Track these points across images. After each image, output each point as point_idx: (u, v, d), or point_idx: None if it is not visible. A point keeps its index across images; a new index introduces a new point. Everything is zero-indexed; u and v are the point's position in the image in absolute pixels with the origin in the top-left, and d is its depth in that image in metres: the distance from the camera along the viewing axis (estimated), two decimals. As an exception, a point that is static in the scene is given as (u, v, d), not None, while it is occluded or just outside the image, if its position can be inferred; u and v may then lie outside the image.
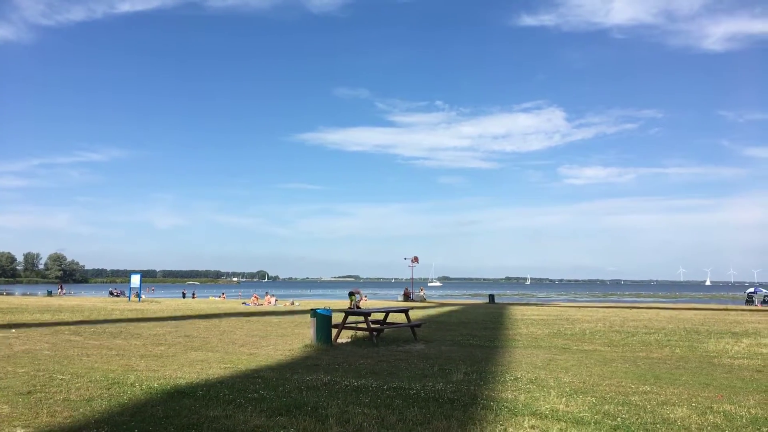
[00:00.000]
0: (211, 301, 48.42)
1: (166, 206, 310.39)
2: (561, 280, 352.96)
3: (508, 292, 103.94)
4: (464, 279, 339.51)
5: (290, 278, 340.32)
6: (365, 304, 39.74)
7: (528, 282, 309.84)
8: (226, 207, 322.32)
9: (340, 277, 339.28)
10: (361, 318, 14.56)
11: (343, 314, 14.51)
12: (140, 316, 22.70)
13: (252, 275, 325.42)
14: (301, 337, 15.12)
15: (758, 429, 5.85)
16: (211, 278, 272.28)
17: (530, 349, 13.18)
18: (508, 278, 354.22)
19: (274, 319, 22.15)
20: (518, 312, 28.89)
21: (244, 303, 40.32)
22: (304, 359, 11.09)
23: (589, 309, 34.42)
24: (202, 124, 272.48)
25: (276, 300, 41.94)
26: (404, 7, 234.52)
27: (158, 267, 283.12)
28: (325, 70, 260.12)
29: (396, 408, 6.48)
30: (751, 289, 53.21)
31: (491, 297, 48.50)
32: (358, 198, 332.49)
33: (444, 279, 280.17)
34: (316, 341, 13.05)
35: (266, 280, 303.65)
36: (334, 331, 13.92)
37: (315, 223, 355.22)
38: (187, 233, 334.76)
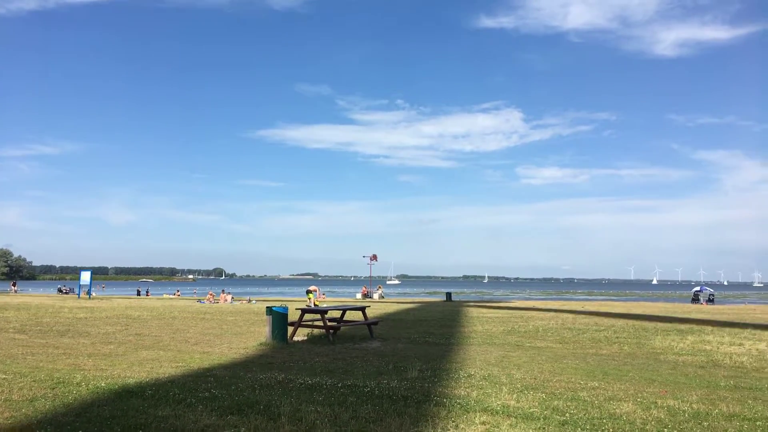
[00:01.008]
0: (165, 299, 47.41)
1: (121, 202, 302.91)
2: (517, 279, 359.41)
3: (465, 290, 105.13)
4: (423, 277, 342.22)
5: (248, 276, 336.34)
6: (323, 302, 39.60)
7: (486, 280, 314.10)
8: (183, 203, 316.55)
9: (298, 275, 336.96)
10: (318, 316, 14.50)
11: (300, 312, 14.42)
12: (90, 314, 22.05)
13: (208, 272, 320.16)
14: (256, 335, 14.95)
15: (699, 423, 6.07)
16: (166, 276, 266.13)
17: (485, 346, 13.36)
18: (466, 276, 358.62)
19: (229, 317, 21.84)
20: (474, 310, 29.26)
21: (199, 301, 39.63)
22: (258, 357, 10.97)
23: (543, 307, 35.11)
24: (160, 117, 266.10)
25: (232, 298, 41.36)
26: (366, 4, 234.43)
27: (110, 264, 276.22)
28: (286, 66, 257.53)
29: (350, 406, 6.48)
30: (697, 288, 55.23)
31: (448, 295, 48.97)
32: (318, 195, 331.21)
33: (403, 277, 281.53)
34: (271, 339, 12.93)
35: (223, 277, 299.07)
36: (290, 329, 13.82)
37: (274, 221, 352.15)
38: (142, 229, 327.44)
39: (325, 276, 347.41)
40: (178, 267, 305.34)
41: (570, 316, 24.74)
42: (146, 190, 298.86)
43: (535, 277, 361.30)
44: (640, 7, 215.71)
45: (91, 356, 10.61)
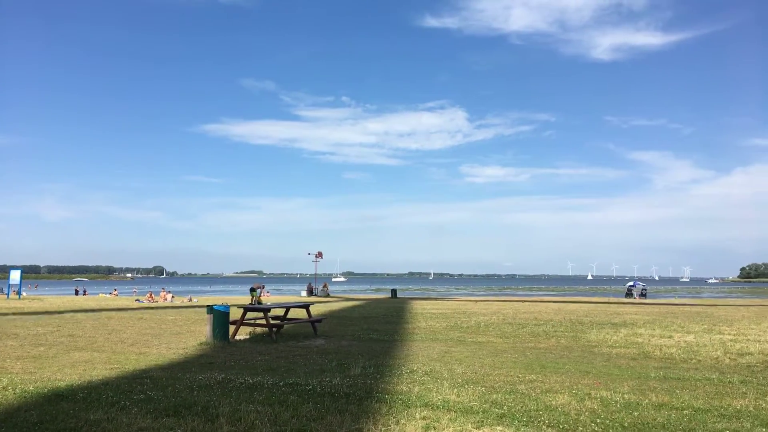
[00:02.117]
0: (101, 298, 45.71)
1: (56, 197, 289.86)
2: (461, 275, 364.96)
3: (411, 286, 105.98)
4: (369, 274, 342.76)
5: (189, 274, 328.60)
6: (267, 299, 39.11)
7: (431, 277, 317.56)
8: (121, 199, 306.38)
9: (242, 273, 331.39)
10: (261, 314, 14.30)
11: (242, 310, 14.19)
12: (19, 314, 21.01)
13: (148, 271, 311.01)
14: (196, 334, 14.61)
15: (630, 413, 6.31)
16: (103, 274, 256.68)
17: (428, 342, 13.50)
18: (411, 273, 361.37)
19: (169, 316, 21.26)
20: (419, 306, 29.53)
21: (137, 300, 38.41)
22: (198, 357, 10.72)
23: (486, 302, 35.82)
24: (99, 110, 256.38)
25: (172, 296, 40.31)
26: (312, 1, 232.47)
27: (43, 262, 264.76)
28: (231, 60, 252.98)
29: (290, 404, 6.41)
30: (631, 283, 57.50)
31: (394, 292, 49.25)
32: (263, 192, 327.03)
33: (349, 274, 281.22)
34: (212, 338, 12.67)
35: (164, 276, 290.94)
36: (232, 328, 13.58)
37: (217, 217, 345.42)
38: (78, 226, 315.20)
39: (270, 274, 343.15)
40: (116, 265, 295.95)
41: (511, 311, 25.33)
42: (83, 186, 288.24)
43: (478, 273, 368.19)
44: (577, 12, 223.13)
45: (20, 359, 10.11)
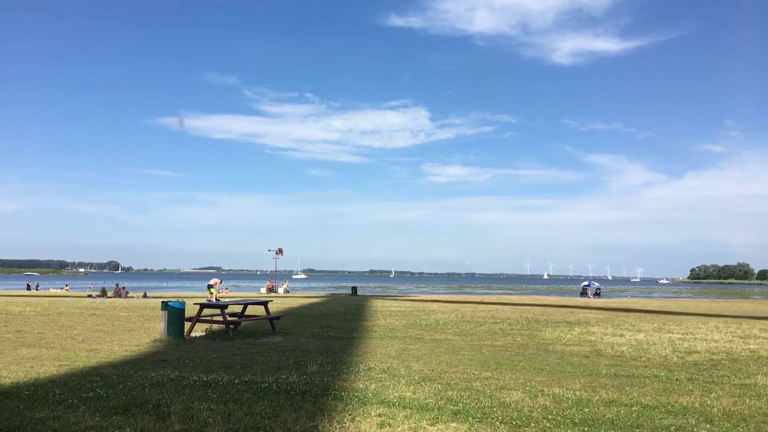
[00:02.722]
0: (51, 293, 44.31)
1: (7, 189, 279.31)
2: (422, 273, 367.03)
3: (371, 284, 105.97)
4: (330, 272, 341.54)
5: (146, 269, 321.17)
6: (226, 296, 38.56)
7: (392, 275, 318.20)
8: (75, 192, 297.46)
9: (200, 269, 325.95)
10: (218, 311, 14.09)
11: (198, 307, 13.95)
12: (-38, 310, 20.19)
13: (102, 266, 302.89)
14: (151, 331, 14.30)
15: (581, 409, 6.46)
16: (54, 269, 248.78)
17: (386, 339, 13.53)
18: (372, 271, 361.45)
19: (122, 312, 20.75)
20: (379, 304, 29.57)
21: (90, 296, 37.34)
22: (151, 355, 10.49)
23: (444, 301, 36.11)
24: (53, 99, 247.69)
25: (127, 292, 39.36)
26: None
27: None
28: (192, 53, 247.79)
29: (245, 402, 6.33)
30: (586, 283, 58.75)
31: (354, 289, 49.18)
32: (223, 187, 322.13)
33: (309, 271, 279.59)
34: (166, 335, 12.42)
35: (119, 271, 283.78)
36: (188, 325, 13.34)
37: (175, 212, 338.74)
38: (28, 219, 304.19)
39: (229, 270, 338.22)
40: (68, 260, 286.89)
41: (469, 309, 25.60)
42: (35, 178, 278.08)
43: (438, 271, 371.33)
44: (539, 16, 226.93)
45: (-39, 356, 9.72)
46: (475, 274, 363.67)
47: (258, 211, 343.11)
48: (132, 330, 14.77)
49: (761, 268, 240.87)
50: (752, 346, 12.71)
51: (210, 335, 13.48)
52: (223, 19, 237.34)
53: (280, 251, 55.35)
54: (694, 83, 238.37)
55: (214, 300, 25.04)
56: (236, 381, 7.57)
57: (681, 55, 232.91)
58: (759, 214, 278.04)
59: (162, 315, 12.70)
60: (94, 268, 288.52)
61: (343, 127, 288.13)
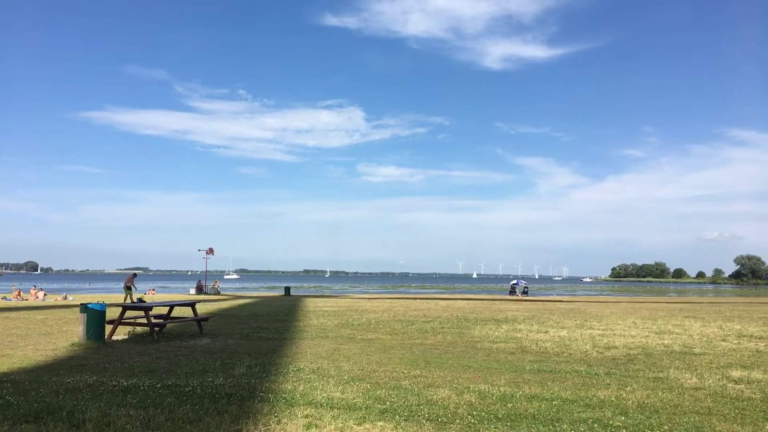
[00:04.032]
0: (-40, 296, 41.44)
1: None
2: (356, 273, 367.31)
3: (305, 284, 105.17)
4: (263, 272, 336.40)
5: (67, 270, 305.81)
6: (153, 298, 37.27)
7: (327, 275, 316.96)
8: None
9: (126, 269, 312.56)
10: (142, 313, 13.58)
11: (121, 309, 13.41)
12: None
13: (19, 266, 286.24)
14: (69, 335, 13.62)
15: (505, 405, 6.63)
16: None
17: (318, 339, 13.44)
18: (306, 271, 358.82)
19: (38, 315, 19.66)
20: (312, 304, 29.38)
21: (4, 298, 35.19)
22: (68, 359, 9.99)
23: (378, 300, 36.30)
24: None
25: (45, 294, 37.32)
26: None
27: None
28: (117, 45, 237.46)
29: (166, 407, 6.13)
30: (514, 282, 60.43)
31: (287, 289, 48.67)
32: (151, 185, 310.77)
33: (242, 271, 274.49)
34: (86, 339, 11.85)
35: (38, 272, 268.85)
36: (109, 328, 12.79)
37: (98, 210, 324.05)
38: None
39: (157, 270, 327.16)
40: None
41: (401, 308, 25.83)
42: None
43: (373, 271, 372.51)
44: (471, 21, 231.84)
45: None
46: (409, 273, 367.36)
47: (188, 210, 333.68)
48: (49, 334, 14.02)
49: (676, 267, 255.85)
50: (666, 341, 13.44)
51: (133, 338, 12.98)
52: (152, 12, 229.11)
53: (210, 251, 53.99)
54: (616, 90, 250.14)
55: (131, 301, 24.17)
56: (158, 385, 7.32)
57: (604, 63, 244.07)
58: (674, 216, 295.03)
59: (81, 318, 12.10)
60: (10, 269, 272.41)
61: (277, 125, 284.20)
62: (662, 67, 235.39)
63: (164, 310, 15.03)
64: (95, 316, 12.00)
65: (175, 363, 9.55)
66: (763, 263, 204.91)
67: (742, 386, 7.95)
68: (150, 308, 13.33)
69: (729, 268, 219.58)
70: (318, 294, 52.61)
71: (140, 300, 25.72)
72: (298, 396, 6.79)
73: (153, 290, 48.15)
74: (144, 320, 13.27)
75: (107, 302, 14.09)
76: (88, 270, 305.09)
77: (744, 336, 14.74)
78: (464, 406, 6.47)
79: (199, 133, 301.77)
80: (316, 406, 6.33)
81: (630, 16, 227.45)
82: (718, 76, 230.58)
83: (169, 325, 14.68)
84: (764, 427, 5.77)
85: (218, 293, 47.20)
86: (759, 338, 14.24)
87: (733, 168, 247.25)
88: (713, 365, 9.88)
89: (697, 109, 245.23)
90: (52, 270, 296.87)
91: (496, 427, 5.69)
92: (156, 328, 13.20)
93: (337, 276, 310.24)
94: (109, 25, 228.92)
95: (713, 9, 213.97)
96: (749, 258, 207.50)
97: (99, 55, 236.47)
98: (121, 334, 13.43)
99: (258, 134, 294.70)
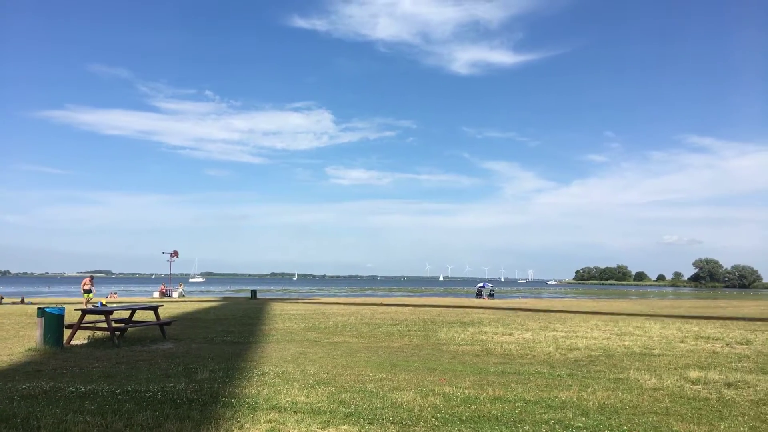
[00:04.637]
0: None
1: None
2: (324, 276, 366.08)
3: (272, 287, 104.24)
4: (230, 275, 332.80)
5: (25, 273, 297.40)
6: (115, 301, 36.47)
7: (295, 277, 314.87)
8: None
9: (87, 272, 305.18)
10: (102, 317, 13.27)
11: (80, 313, 13.07)
12: None
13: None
14: (26, 339, 13.21)
15: (469, 407, 6.68)
16: None
17: (283, 343, 13.33)
18: (274, 274, 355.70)
19: (-6, 320, 19.03)
20: (278, 307, 29.12)
21: (-43, 302, 33.95)
22: (24, 365, 9.69)
23: (345, 303, 36.20)
24: None
25: (2, 298, 36.17)
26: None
27: None
28: (79, 43, 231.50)
29: (125, 413, 5.99)
30: (481, 284, 61.06)
31: (253, 293, 48.18)
32: (115, 186, 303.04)
33: (208, 275, 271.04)
34: (43, 344, 11.52)
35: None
36: (68, 332, 12.46)
37: (59, 212, 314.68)
38: None
39: (120, 274, 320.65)
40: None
41: (369, 311, 25.81)
42: None
43: (341, 274, 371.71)
44: (439, 26, 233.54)
45: None
46: (378, 276, 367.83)
47: (153, 212, 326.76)
48: (4, 339, 13.58)
49: (638, 270, 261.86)
50: (627, 343, 13.72)
51: (93, 343, 12.66)
52: (116, 10, 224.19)
53: (175, 254, 53.10)
54: (579, 96, 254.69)
55: (91, 305, 23.59)
56: (118, 391, 7.16)
57: (568, 70, 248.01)
58: (636, 220, 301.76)
59: (38, 322, 11.75)
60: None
61: (244, 127, 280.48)
62: (624, 75, 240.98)
63: (126, 314, 14.71)
64: (53, 321, 11.68)
65: (135, 368, 9.35)
66: (720, 266, 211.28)
67: (699, 387, 8.16)
68: (110, 312, 13.03)
69: (688, 271, 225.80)
70: (285, 297, 52.21)
71: (101, 304, 25.09)
72: (262, 400, 6.71)
73: (115, 293, 47.14)
74: (104, 324, 12.96)
75: (67, 306, 13.71)
76: (47, 273, 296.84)
77: (701, 337, 15.14)
78: (429, 409, 6.49)
79: (164, 133, 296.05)
80: (279, 410, 6.27)
81: (593, 25, 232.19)
82: (677, 85, 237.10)
83: (130, 330, 14.37)
84: (720, 427, 5.93)
85: (183, 296, 46.44)
86: (716, 340, 14.65)
87: (691, 174, 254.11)
88: (672, 366, 10.12)
89: (657, 117, 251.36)
90: (9, 273, 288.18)
91: (459, 429, 5.72)
92: (117, 333, 12.91)
93: (305, 279, 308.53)
94: (71, 23, 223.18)
95: (673, 21, 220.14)
96: (707, 261, 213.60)
97: (60, 53, 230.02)
98: (81, 338, 13.10)
99: (225, 136, 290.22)
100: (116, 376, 8.55)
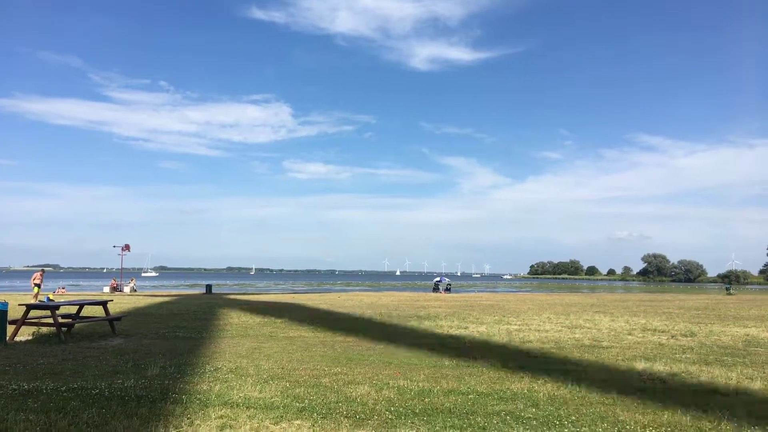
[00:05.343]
0: None
1: None
2: (282, 270, 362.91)
3: (229, 282, 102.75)
4: (184, 269, 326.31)
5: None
6: (63, 296, 35.33)
7: (253, 272, 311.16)
8: None
9: (34, 266, 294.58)
10: (48, 312, 12.83)
11: (25, 308, 12.61)
12: None
13: None
14: (-35, 336, 12.65)
15: (422, 400, 6.73)
16: None
17: (238, 338, 13.16)
18: (230, 268, 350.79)
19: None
20: (234, 302, 28.73)
21: None
22: (-37, 363, 9.27)
23: (303, 297, 35.96)
24: None
25: (-60, 293, 34.60)
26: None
27: None
28: (27, 29, 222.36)
29: (70, 411, 5.81)
30: (438, 279, 61.56)
31: (209, 287, 47.39)
32: (64, 177, 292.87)
33: (161, 269, 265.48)
34: (-16, 341, 11.06)
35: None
36: (11, 328, 12.00)
37: (5, 203, 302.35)
38: None
39: (68, 268, 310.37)
40: None
41: (326, 305, 25.72)
42: None
43: (300, 268, 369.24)
44: (399, 22, 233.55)
45: None
46: (336, 270, 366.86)
47: (103, 205, 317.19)
48: (-59, 336, 12.97)
49: (589, 265, 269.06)
50: (577, 335, 14.07)
51: (38, 339, 12.22)
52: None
53: (126, 247, 51.70)
54: (535, 94, 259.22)
55: (39, 300, 22.83)
56: (63, 388, 6.93)
57: (524, 68, 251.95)
58: (588, 216, 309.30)
59: (-22, 318, 11.28)
60: None
61: (200, 118, 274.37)
62: (578, 74, 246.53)
63: (73, 310, 14.26)
64: (-5, 316, 11.22)
65: (83, 365, 9.07)
66: (668, 261, 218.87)
67: (645, 377, 8.44)
68: (57, 307, 12.61)
69: (637, 265, 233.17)
70: (241, 292, 51.54)
71: (48, 299, 24.29)
72: (214, 396, 6.61)
73: (63, 288, 45.62)
74: (51, 320, 12.54)
75: (11, 301, 13.20)
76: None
77: (648, 330, 15.67)
78: (383, 402, 6.51)
79: (116, 124, 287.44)
80: (231, 406, 6.19)
81: (549, 25, 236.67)
82: (628, 85, 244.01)
83: (78, 326, 13.94)
84: (663, 416, 6.14)
85: (134, 291, 45.33)
86: (662, 332, 15.18)
87: (641, 171, 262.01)
88: (619, 358, 10.43)
89: (609, 115, 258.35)
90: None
91: (413, 422, 5.76)
92: (63, 329, 12.51)
93: (263, 273, 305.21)
94: (19, 8, 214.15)
95: (623, 21, 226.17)
96: (655, 256, 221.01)
97: (8, 39, 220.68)
98: (25, 334, 12.63)
99: (180, 127, 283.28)
100: (62, 373, 8.28)
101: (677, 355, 10.80)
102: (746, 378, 8.38)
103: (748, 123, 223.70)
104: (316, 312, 21.30)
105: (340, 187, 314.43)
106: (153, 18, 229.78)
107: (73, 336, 12.80)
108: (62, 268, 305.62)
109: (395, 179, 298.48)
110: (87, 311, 14.66)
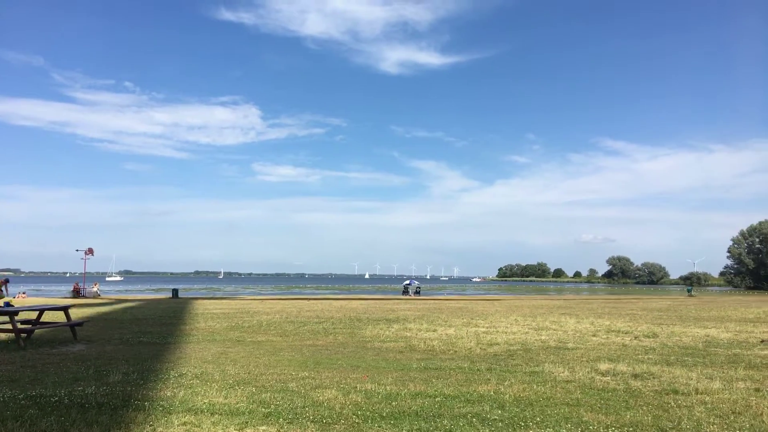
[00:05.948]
0: None
1: None
2: (251, 274, 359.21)
3: (196, 286, 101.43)
4: (150, 273, 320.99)
5: None
6: (23, 301, 34.35)
7: (221, 276, 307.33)
8: None
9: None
10: (7, 318, 12.46)
11: (-19, 314, 12.22)
12: None
13: None
14: None
15: (390, 403, 6.73)
16: None
17: (204, 343, 12.98)
18: (197, 272, 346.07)
19: None
20: (201, 306, 28.35)
21: None
22: None
23: (271, 301, 35.69)
24: None
25: None
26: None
27: None
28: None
29: (27, 419, 5.64)
30: (407, 282, 61.76)
31: (175, 291, 46.72)
32: (24, 179, 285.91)
33: (126, 273, 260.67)
34: (-63, 348, 10.67)
35: None
36: (-34, 335, 11.61)
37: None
38: None
39: (29, 272, 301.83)
40: None
41: (294, 309, 25.56)
42: None
43: (268, 272, 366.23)
44: (368, 25, 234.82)
45: None
46: (305, 274, 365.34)
47: (66, 207, 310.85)
48: None
49: (556, 267, 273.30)
50: (543, 337, 14.26)
51: (-5, 346, 11.86)
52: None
53: (90, 251, 50.58)
54: (503, 99, 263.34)
55: (6, 305, 22.14)
56: (21, 396, 6.73)
57: (492, 73, 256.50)
58: (555, 219, 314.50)
59: (-69, 325, 10.89)
60: None
61: (167, 120, 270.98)
62: (544, 80, 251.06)
63: (33, 315, 13.87)
64: (-51, 323, 10.84)
65: (42, 372, 8.82)
66: (631, 264, 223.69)
67: (608, 378, 8.59)
68: (16, 313, 12.25)
69: (602, 267, 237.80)
70: (209, 296, 50.86)
71: (7, 304, 23.56)
72: (178, 402, 6.50)
73: (24, 293, 44.35)
74: (9, 326, 12.17)
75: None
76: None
77: (612, 331, 15.97)
78: (350, 406, 6.49)
79: (79, 125, 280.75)
80: (196, 412, 6.09)
81: (515, 31, 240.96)
82: (593, 90, 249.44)
83: (38, 331, 13.57)
84: (626, 416, 6.25)
85: (98, 296, 44.34)
86: (625, 333, 15.49)
87: (605, 176, 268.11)
88: (584, 359, 10.60)
89: (575, 120, 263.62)
90: None
91: (380, 426, 5.76)
92: (23, 335, 12.16)
93: (231, 277, 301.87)
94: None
95: (588, 27, 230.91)
96: (620, 259, 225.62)
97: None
98: (-19, 341, 12.24)
99: (146, 129, 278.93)
100: (20, 380, 8.04)
101: (640, 356, 11.02)
102: (706, 378, 8.59)
103: (708, 128, 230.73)
104: (285, 315, 21.11)
105: (310, 190, 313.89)
106: (118, 17, 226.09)
107: (33, 342, 12.45)
108: (23, 272, 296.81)
109: (366, 183, 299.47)
110: (48, 317, 14.29)
